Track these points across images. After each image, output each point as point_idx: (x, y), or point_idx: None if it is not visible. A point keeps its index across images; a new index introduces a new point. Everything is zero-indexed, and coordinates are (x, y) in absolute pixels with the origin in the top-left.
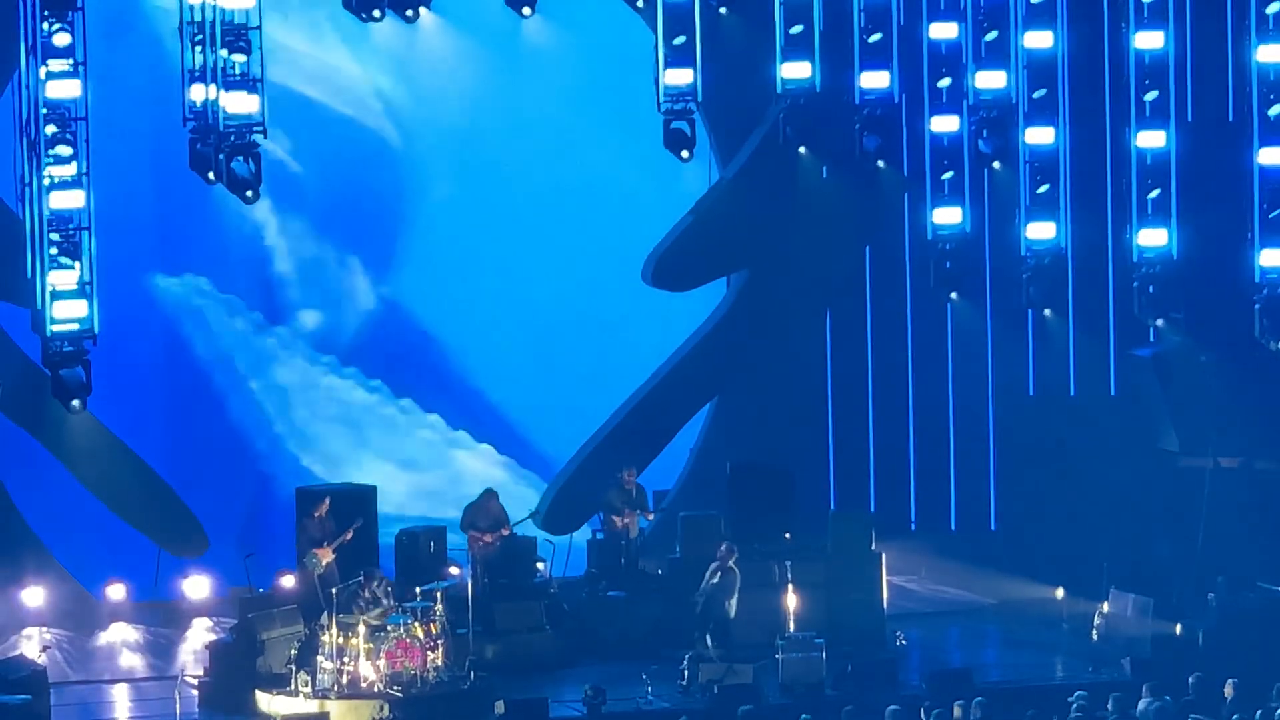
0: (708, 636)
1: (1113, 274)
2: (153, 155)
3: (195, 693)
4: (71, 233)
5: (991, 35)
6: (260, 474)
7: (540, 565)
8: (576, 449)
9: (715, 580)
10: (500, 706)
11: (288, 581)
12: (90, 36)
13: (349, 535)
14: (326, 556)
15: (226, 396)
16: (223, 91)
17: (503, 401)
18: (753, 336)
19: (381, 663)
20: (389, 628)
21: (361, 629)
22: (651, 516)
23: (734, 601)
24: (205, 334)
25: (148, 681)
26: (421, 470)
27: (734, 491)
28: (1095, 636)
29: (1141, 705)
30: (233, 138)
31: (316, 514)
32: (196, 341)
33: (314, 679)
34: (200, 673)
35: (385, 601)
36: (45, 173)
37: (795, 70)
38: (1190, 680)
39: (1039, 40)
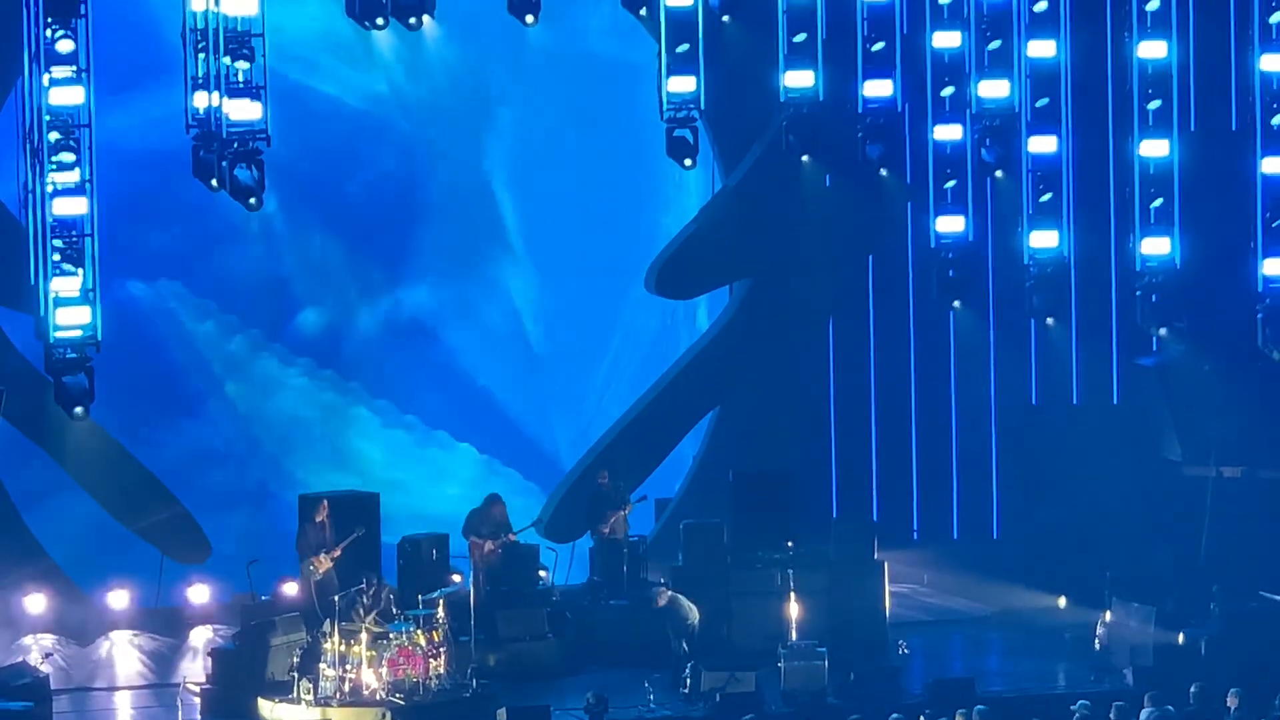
0: (683, 643)
1: (1115, 283)
2: (129, 159)
3: (197, 700)
4: (74, 239)
5: (995, 44)
6: (248, 479)
7: (543, 573)
8: (560, 449)
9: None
10: (502, 714)
11: (290, 589)
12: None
13: (347, 544)
14: (324, 564)
15: (206, 401)
16: (226, 99)
17: (498, 406)
18: (755, 345)
19: (384, 670)
20: (391, 635)
21: (364, 636)
22: (630, 508)
23: (691, 607)
24: (181, 338)
25: (150, 689)
26: (405, 475)
27: (736, 500)
28: (1097, 646)
29: (1144, 715)
30: (236, 145)
31: (316, 519)
32: (172, 346)
33: (316, 686)
34: (202, 680)
35: (387, 608)
36: (48, 179)
37: (798, 79)
38: (1192, 690)
39: (1042, 49)
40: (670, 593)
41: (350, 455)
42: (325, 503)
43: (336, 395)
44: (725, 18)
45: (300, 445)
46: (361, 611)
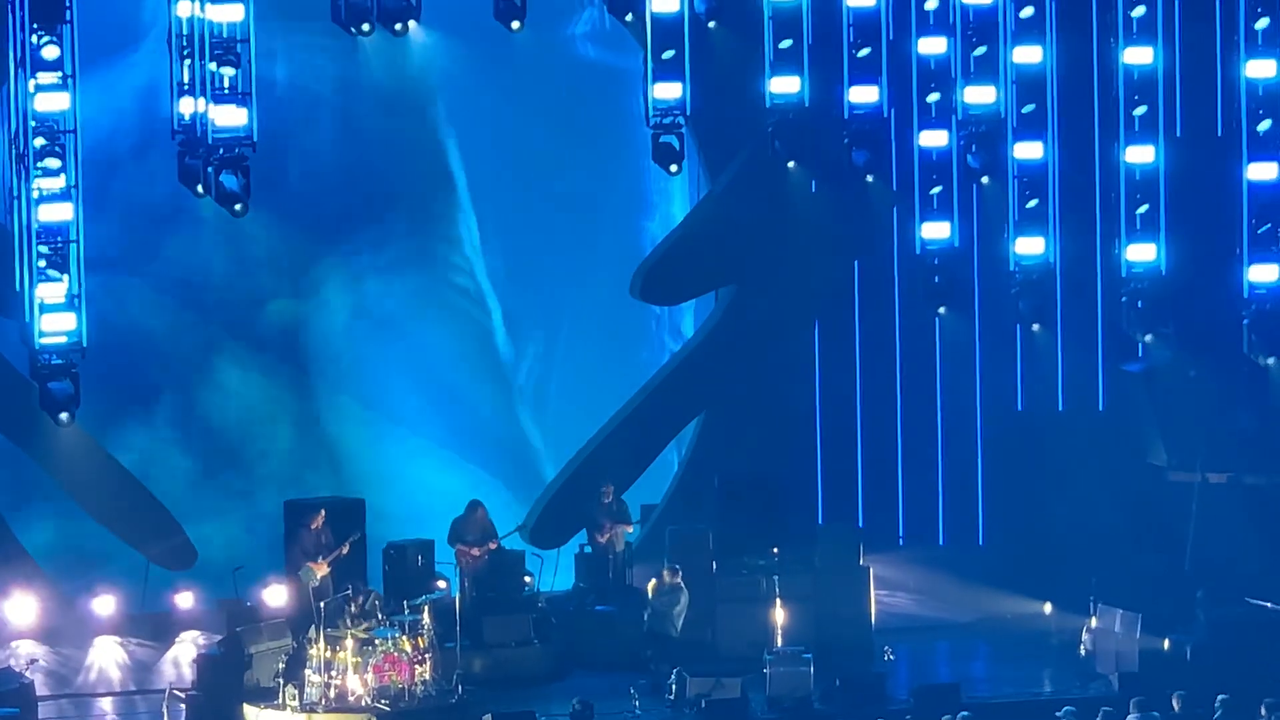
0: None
1: (1101, 289)
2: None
3: (183, 706)
4: (60, 245)
5: (980, 50)
6: (221, 484)
7: (528, 579)
8: (533, 449)
9: (659, 600)
10: None
11: (273, 595)
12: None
13: (345, 549)
14: (321, 570)
15: (169, 402)
16: (211, 105)
17: (466, 405)
18: (741, 350)
19: (369, 676)
20: (377, 641)
21: (349, 642)
22: (632, 529)
23: (678, 616)
24: (141, 333)
25: (136, 695)
26: (368, 471)
27: (723, 506)
28: (1083, 651)
29: None
30: (221, 151)
31: (312, 526)
32: (132, 341)
33: (301, 693)
34: (188, 686)
35: (372, 614)
36: (34, 185)
37: (784, 85)
38: (1177, 696)
39: (1028, 55)
40: (680, 580)
41: (313, 453)
42: (322, 510)
43: (296, 391)
44: (711, 24)
45: (265, 445)
46: (349, 620)
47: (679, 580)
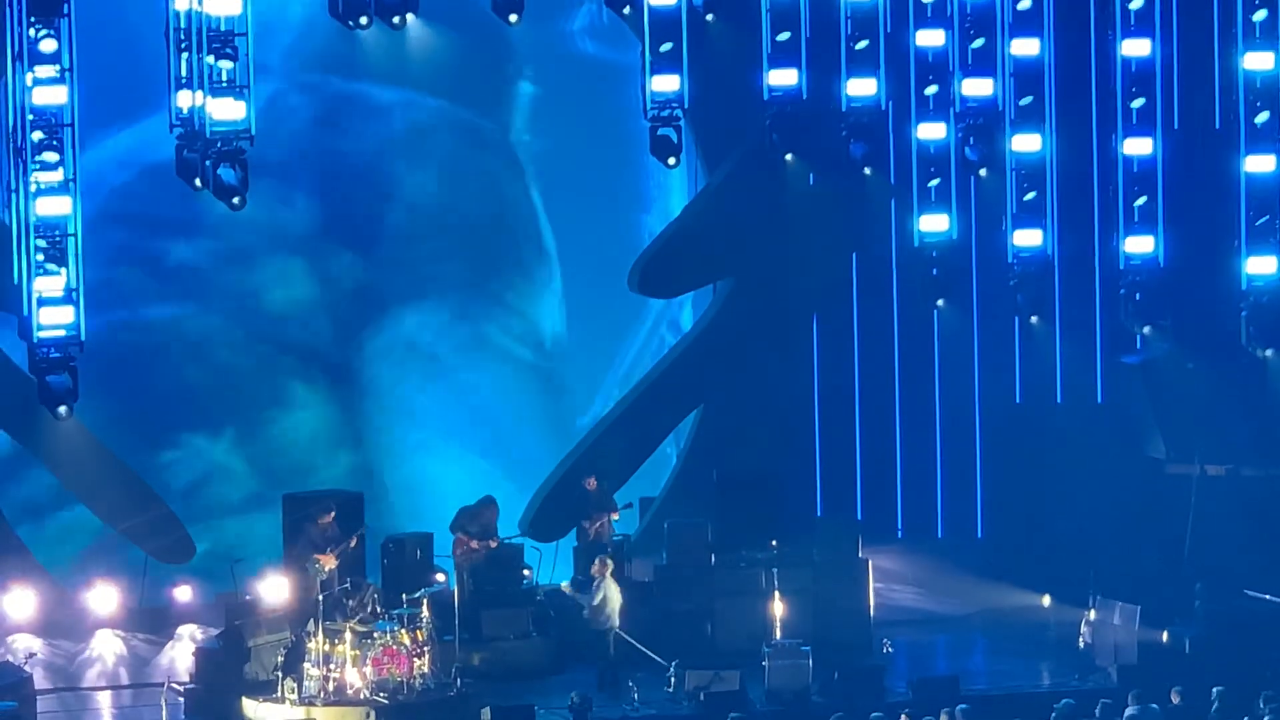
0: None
1: (1099, 281)
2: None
3: (182, 700)
4: (58, 239)
5: (978, 42)
6: (224, 477)
7: (526, 572)
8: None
9: (591, 601)
10: (486, 714)
11: (271, 589)
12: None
13: (353, 543)
14: (329, 563)
15: (176, 394)
16: (209, 98)
17: (472, 399)
18: (739, 343)
19: (368, 669)
20: (375, 635)
21: (348, 636)
22: (619, 515)
23: (609, 608)
24: (132, 327)
25: (134, 689)
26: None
27: (721, 499)
28: (1081, 644)
29: (1128, 713)
30: (219, 144)
31: (321, 520)
32: (165, 356)
33: (300, 686)
34: (187, 679)
35: (371, 608)
36: (32, 179)
37: (782, 77)
38: (1176, 689)
39: (1026, 47)
40: (610, 573)
41: (292, 436)
42: (332, 504)
43: (296, 386)
44: (709, 16)
45: (271, 443)
46: (348, 613)
47: (608, 572)
